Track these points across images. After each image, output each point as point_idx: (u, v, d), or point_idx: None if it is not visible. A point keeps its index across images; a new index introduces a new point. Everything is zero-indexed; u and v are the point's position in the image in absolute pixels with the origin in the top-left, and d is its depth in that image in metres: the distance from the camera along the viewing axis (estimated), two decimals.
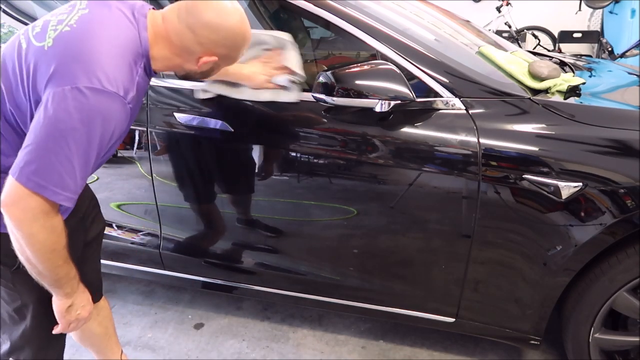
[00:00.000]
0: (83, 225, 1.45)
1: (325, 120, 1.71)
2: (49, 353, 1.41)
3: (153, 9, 1.26)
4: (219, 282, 2.07)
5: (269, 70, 1.68)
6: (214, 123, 1.81)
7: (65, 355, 1.49)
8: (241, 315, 2.33)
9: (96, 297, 1.61)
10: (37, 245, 1.09)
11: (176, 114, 1.85)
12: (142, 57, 1.17)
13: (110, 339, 1.73)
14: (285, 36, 1.70)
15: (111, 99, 1.06)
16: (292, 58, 1.68)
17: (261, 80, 1.67)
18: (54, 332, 1.29)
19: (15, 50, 1.15)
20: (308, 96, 1.68)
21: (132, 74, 1.13)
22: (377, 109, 1.56)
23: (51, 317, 1.29)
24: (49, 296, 1.25)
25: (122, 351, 1.79)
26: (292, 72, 1.66)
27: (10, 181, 1.05)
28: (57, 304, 1.24)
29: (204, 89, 1.77)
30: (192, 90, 1.86)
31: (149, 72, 1.21)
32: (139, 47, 1.16)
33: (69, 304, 1.25)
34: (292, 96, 1.68)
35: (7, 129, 1.17)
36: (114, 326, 1.75)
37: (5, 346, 1.38)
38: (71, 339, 1.61)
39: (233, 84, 1.71)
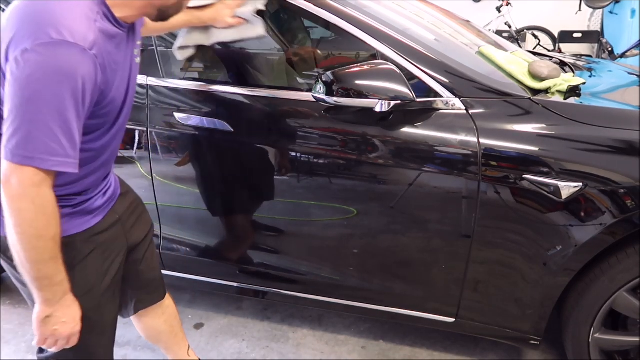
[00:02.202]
0: (122, 227, 1.41)
1: (325, 120, 1.71)
2: (92, 354, 1.37)
3: None
4: (219, 282, 2.07)
5: (231, 3, 1.68)
6: (214, 123, 1.81)
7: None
8: (241, 315, 2.33)
9: (158, 296, 1.64)
10: (24, 225, 1.04)
11: (176, 114, 1.85)
12: (97, 6, 1.09)
13: (177, 336, 1.75)
14: None
15: (63, 47, 0.99)
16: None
17: (225, 16, 1.68)
18: (32, 343, 1.22)
19: None
20: (308, 96, 1.68)
21: (89, 20, 1.06)
22: (377, 109, 1.56)
23: (91, 321, 1.27)
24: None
25: (189, 347, 1.81)
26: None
27: (1, 160, 1.03)
28: (35, 311, 1.15)
29: (180, 47, 1.77)
30: (192, 90, 1.86)
31: (115, 22, 1.13)
32: None
33: (47, 314, 1.14)
34: (257, 31, 1.70)
35: None
36: (180, 323, 1.77)
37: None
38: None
39: (202, 31, 1.73)
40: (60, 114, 1.01)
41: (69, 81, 1.00)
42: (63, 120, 1.02)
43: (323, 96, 1.59)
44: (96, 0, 1.09)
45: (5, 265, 1.28)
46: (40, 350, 1.35)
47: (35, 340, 1.19)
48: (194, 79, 1.92)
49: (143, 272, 1.55)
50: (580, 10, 6.02)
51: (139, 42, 1.31)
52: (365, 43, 1.69)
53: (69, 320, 1.17)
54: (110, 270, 1.37)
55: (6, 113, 1.01)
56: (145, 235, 1.54)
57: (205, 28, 1.73)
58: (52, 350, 1.22)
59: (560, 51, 5.42)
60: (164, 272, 2.08)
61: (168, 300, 1.70)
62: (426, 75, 1.64)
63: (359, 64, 1.58)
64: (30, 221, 1.04)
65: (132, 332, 2.22)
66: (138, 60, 1.31)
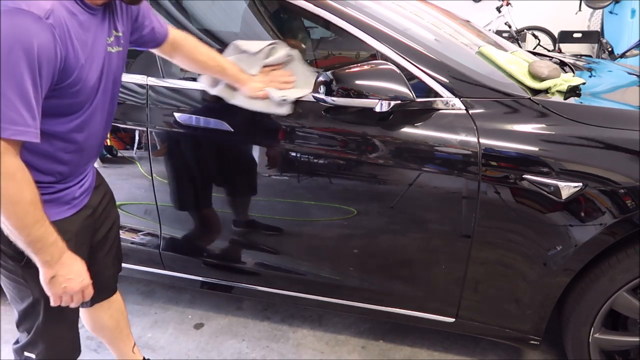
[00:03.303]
0: (93, 220, 1.43)
1: (325, 120, 1.71)
2: (62, 346, 1.42)
3: None
4: (219, 282, 2.07)
5: (267, 79, 1.69)
6: (214, 123, 1.81)
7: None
8: (241, 315, 2.33)
9: (113, 290, 1.65)
10: None
11: (176, 114, 1.85)
12: None
13: (122, 332, 1.74)
14: (293, 52, 1.74)
15: (18, 15, 1.00)
16: (300, 72, 1.71)
17: (256, 88, 1.68)
18: (51, 304, 1.26)
19: None
20: (308, 96, 1.68)
21: None
22: (377, 109, 1.56)
23: (64, 312, 1.31)
24: None
25: (134, 344, 1.80)
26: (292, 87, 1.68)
27: None
28: (41, 274, 1.19)
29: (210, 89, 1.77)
30: (192, 90, 1.86)
31: (81, 2, 1.14)
32: None
33: (51, 275, 1.18)
34: (283, 110, 1.69)
35: None
36: (127, 320, 1.76)
37: (21, 341, 1.41)
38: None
39: (230, 87, 1.72)
40: (17, 82, 1.01)
41: (24, 49, 1.00)
42: (20, 89, 1.02)
43: (323, 96, 1.59)
44: None
45: None
46: (16, 342, 1.41)
47: (52, 301, 1.23)
48: (194, 79, 1.92)
49: (106, 265, 1.56)
50: (580, 10, 6.02)
51: (119, 33, 1.29)
52: (365, 43, 1.69)
53: (74, 276, 1.21)
54: None
55: None
56: (109, 228, 1.54)
57: (234, 87, 1.72)
58: (72, 305, 1.26)
59: (560, 51, 5.42)
60: (163, 272, 2.10)
61: (116, 296, 1.69)
62: (426, 75, 1.64)
63: (359, 64, 1.58)
64: (1, 190, 1.04)
65: (132, 332, 2.21)
66: (115, 49, 1.29)
